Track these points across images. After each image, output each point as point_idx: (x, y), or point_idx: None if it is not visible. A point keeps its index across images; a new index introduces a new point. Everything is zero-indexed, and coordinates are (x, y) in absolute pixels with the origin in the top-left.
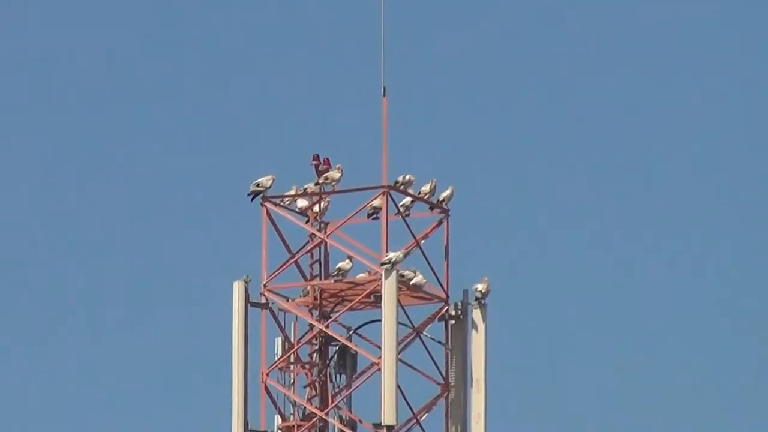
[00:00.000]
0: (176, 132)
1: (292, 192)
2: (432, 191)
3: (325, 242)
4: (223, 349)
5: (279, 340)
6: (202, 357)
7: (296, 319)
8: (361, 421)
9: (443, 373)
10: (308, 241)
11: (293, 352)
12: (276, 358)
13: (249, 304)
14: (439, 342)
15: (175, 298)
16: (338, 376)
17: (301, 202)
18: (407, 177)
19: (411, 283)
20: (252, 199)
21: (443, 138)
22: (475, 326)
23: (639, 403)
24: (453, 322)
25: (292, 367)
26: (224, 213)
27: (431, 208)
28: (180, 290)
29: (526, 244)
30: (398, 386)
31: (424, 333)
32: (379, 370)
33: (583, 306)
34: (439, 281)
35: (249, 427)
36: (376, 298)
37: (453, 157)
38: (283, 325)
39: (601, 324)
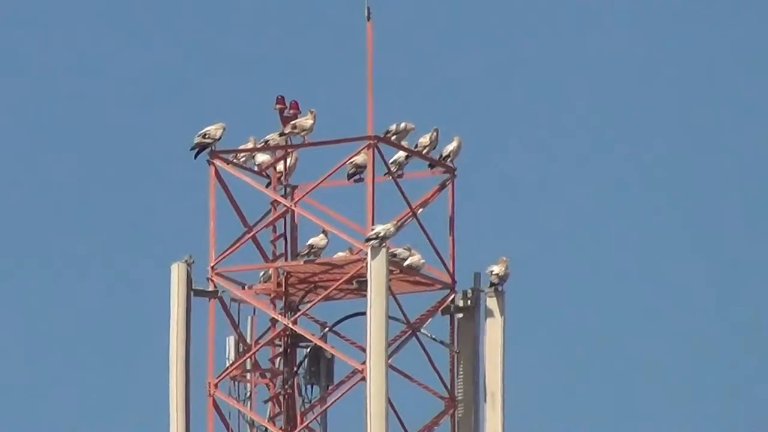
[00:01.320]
0: (92, 59)
1: (250, 145)
2: (433, 144)
3: (293, 211)
4: (158, 350)
5: (231, 340)
6: (129, 361)
7: (254, 313)
8: None
9: (448, 383)
10: (270, 210)
11: (250, 356)
12: (227, 364)
13: (192, 293)
14: (442, 342)
15: (95, 284)
16: (309, 387)
17: (261, 159)
18: (402, 125)
19: (405, 264)
20: (196, 155)
21: (448, 72)
22: (490, 321)
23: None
24: (461, 315)
25: (248, 375)
26: (158, 172)
27: (431, 166)
28: (100, 275)
29: (556, 212)
30: (389, 401)
31: (422, 331)
32: (364, 379)
33: (633, 293)
34: (442, 261)
35: None
36: (359, 285)
37: (460, 98)
38: (236, 320)
39: (657, 316)
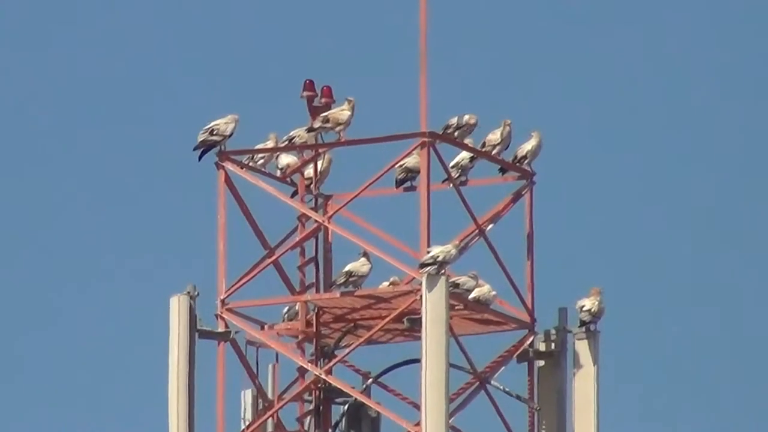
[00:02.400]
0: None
1: (270, 144)
2: (505, 142)
3: (326, 229)
4: (154, 406)
5: (248, 394)
6: (122, 418)
7: (277, 360)
8: None
9: None
10: (296, 228)
11: (272, 415)
12: (243, 425)
13: (196, 334)
14: (519, 397)
15: (79, 321)
16: None
17: (285, 161)
18: (465, 118)
19: (471, 297)
20: (201, 156)
21: (523, 55)
22: (579, 369)
23: None
24: (542, 363)
25: None
26: (152, 178)
27: (503, 171)
28: (85, 307)
29: (662, 229)
30: None
31: (493, 382)
32: None
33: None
34: (518, 294)
35: None
36: (411, 324)
37: (539, 86)
38: (255, 368)
39: None
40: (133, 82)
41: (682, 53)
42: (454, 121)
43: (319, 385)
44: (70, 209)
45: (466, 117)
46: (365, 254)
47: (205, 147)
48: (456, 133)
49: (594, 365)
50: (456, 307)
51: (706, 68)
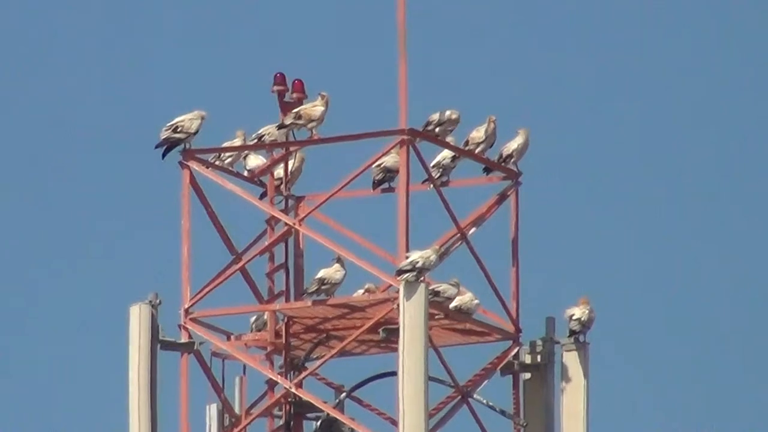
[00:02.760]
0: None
1: (238, 142)
2: (489, 140)
3: (297, 232)
4: (116, 421)
5: (213, 409)
6: None
7: (244, 372)
8: None
9: None
10: (265, 231)
11: (240, 431)
12: None
13: (158, 344)
14: (503, 413)
15: (33, 331)
16: None
17: (254, 161)
18: (446, 113)
19: (452, 306)
20: (164, 155)
21: (508, 48)
22: (568, 383)
23: None
24: (528, 375)
25: None
26: (109, 178)
27: (487, 171)
28: (39, 316)
29: (657, 233)
30: None
31: (475, 396)
32: None
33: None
34: (502, 302)
35: None
36: (387, 335)
37: (529, 79)
38: (220, 382)
39: None
40: (93, 78)
41: (674, 50)
42: (435, 117)
43: (290, 400)
44: (24, 211)
45: (448, 112)
46: (339, 260)
47: (169, 145)
48: (437, 131)
49: (583, 378)
50: (436, 317)
51: (698, 67)
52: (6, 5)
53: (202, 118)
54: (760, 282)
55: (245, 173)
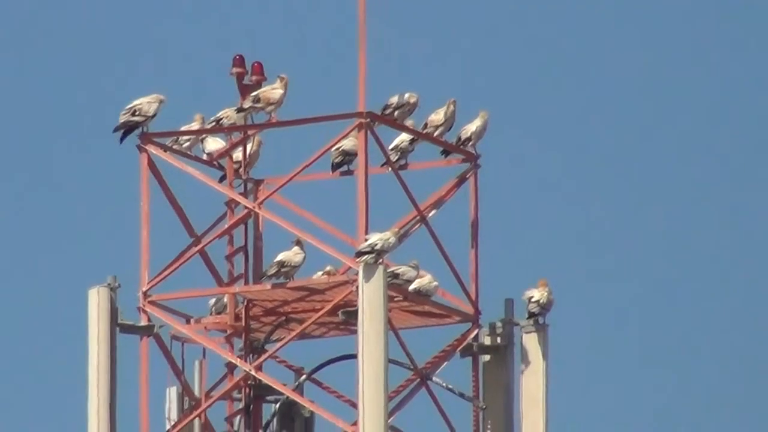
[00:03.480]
0: None
1: (195, 125)
2: (448, 123)
3: (256, 215)
4: (75, 404)
5: (173, 392)
6: (40, 417)
7: (204, 355)
8: None
9: None
10: (225, 214)
11: (199, 415)
12: (168, 425)
13: (117, 328)
14: (462, 395)
15: None
16: None
17: (213, 144)
18: (405, 96)
19: (411, 288)
20: (122, 138)
21: (468, 28)
22: (527, 365)
23: None
24: (488, 357)
25: None
26: (68, 161)
27: (445, 153)
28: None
29: (614, 216)
30: None
31: (434, 379)
32: None
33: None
34: (461, 284)
35: None
36: (347, 317)
37: (488, 60)
38: (180, 365)
39: None
40: (49, 59)
41: (642, 31)
42: (394, 100)
43: (249, 383)
44: None
45: (407, 95)
46: (298, 242)
47: (127, 129)
48: (395, 114)
49: (543, 360)
50: (395, 299)
51: (666, 54)
52: None
53: (161, 101)
54: (716, 262)
55: (204, 157)
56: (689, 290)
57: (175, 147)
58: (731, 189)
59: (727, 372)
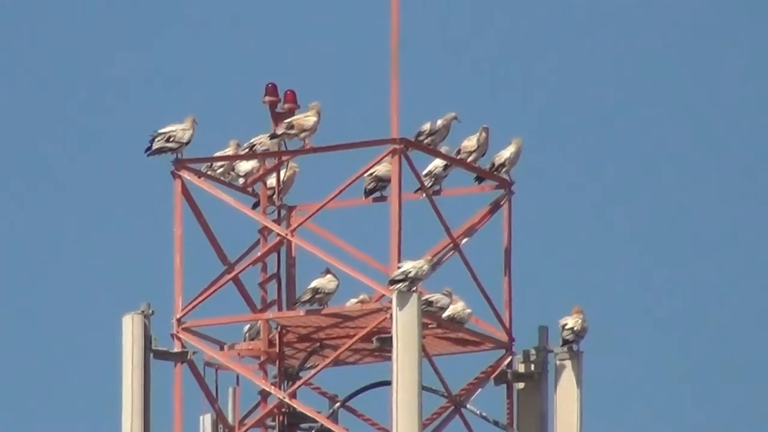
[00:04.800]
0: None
1: (230, 151)
2: (482, 149)
3: (289, 242)
4: (108, 431)
5: (207, 420)
6: None
7: (237, 382)
8: None
9: None
10: (258, 241)
11: None
12: None
13: (151, 354)
14: (497, 423)
15: (24, 340)
16: None
17: (246, 170)
18: (438, 123)
19: (444, 315)
20: (150, 154)
21: (500, 57)
22: (562, 392)
23: None
24: (522, 385)
25: None
26: (102, 188)
27: (480, 180)
28: (31, 325)
29: (650, 243)
30: None
31: (468, 406)
32: None
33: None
34: (495, 312)
35: None
36: (381, 344)
37: (520, 88)
38: (214, 392)
39: None
40: (85, 84)
41: (665, 55)
42: (426, 126)
43: (283, 410)
44: (17, 219)
45: (441, 121)
46: (329, 271)
47: (159, 153)
48: (429, 140)
49: (577, 387)
50: (429, 326)
51: (692, 71)
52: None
53: (194, 124)
54: (754, 290)
55: (239, 181)
56: (726, 313)
57: (209, 173)
58: None
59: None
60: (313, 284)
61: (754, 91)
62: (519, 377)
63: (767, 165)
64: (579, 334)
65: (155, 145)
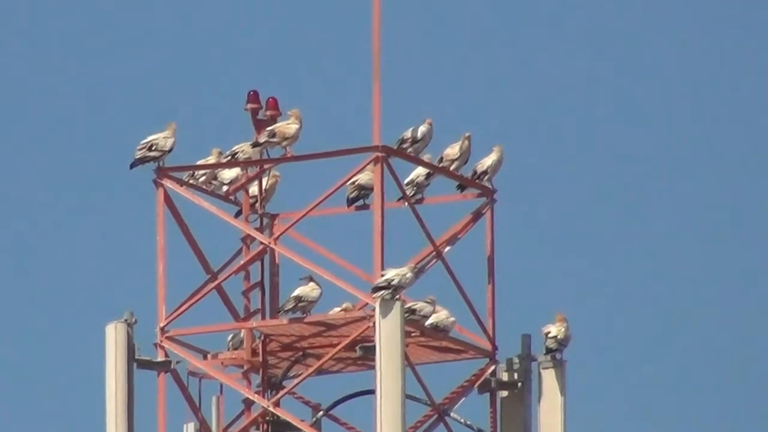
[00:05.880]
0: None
1: (212, 160)
2: (464, 157)
3: (272, 251)
4: None
5: (191, 428)
6: None
7: (221, 391)
8: None
9: None
10: (241, 250)
11: None
12: None
13: (135, 363)
14: (480, 431)
15: (7, 350)
16: None
17: (229, 173)
18: (420, 129)
19: (428, 323)
20: (132, 166)
21: (484, 64)
22: (545, 401)
23: None
24: (505, 393)
25: None
26: (85, 197)
27: (462, 188)
28: (13, 334)
29: (632, 251)
30: None
31: (452, 414)
32: None
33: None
34: (478, 320)
35: None
36: (364, 352)
37: (502, 96)
38: (197, 401)
39: None
40: (68, 95)
41: (650, 61)
42: (408, 134)
43: (267, 418)
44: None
45: (422, 128)
46: (311, 278)
47: (142, 162)
48: (411, 148)
49: (561, 396)
50: (412, 335)
51: (679, 77)
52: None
53: (175, 132)
54: (745, 299)
55: (223, 189)
56: (709, 323)
57: (191, 182)
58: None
59: (756, 409)
60: (296, 292)
61: (753, 92)
62: (502, 385)
63: (765, 170)
64: (562, 343)
65: (137, 155)
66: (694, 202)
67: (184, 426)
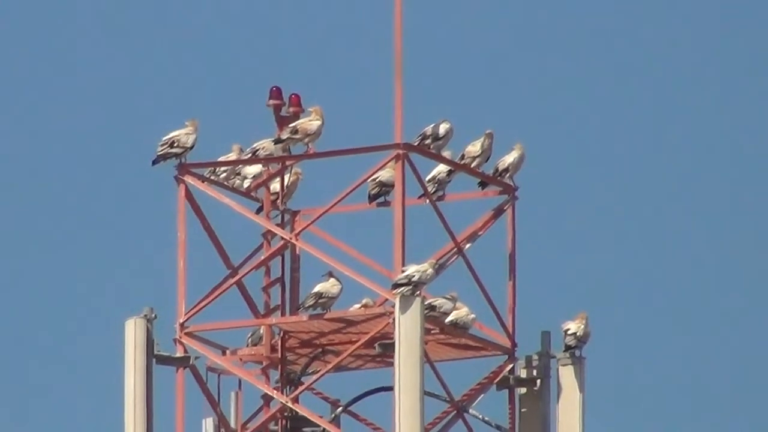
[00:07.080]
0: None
1: (233, 155)
2: (485, 154)
3: (293, 246)
4: None
5: (209, 423)
6: None
7: (240, 387)
8: None
9: None
10: (261, 246)
11: None
12: None
13: (153, 359)
14: (499, 427)
15: (27, 344)
16: None
17: (251, 172)
18: (441, 127)
19: (448, 320)
20: (155, 162)
21: (502, 65)
22: (564, 398)
23: None
24: (524, 390)
25: None
26: (105, 193)
27: (483, 186)
28: (34, 330)
29: (652, 248)
30: None
31: (471, 411)
32: None
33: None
34: (498, 317)
35: None
36: (383, 349)
37: (522, 95)
38: (216, 396)
39: None
40: (88, 90)
41: (669, 59)
42: (429, 130)
43: (286, 414)
44: (20, 224)
45: (442, 125)
46: (331, 274)
47: (164, 159)
48: (433, 145)
49: (579, 393)
50: (432, 331)
51: (696, 75)
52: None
53: (196, 128)
54: (759, 296)
55: (244, 184)
56: (731, 322)
57: (212, 178)
58: None
59: None
60: (317, 289)
61: (757, 92)
62: (521, 382)
63: None
64: (581, 340)
65: (159, 151)
66: (718, 200)
67: (203, 421)
